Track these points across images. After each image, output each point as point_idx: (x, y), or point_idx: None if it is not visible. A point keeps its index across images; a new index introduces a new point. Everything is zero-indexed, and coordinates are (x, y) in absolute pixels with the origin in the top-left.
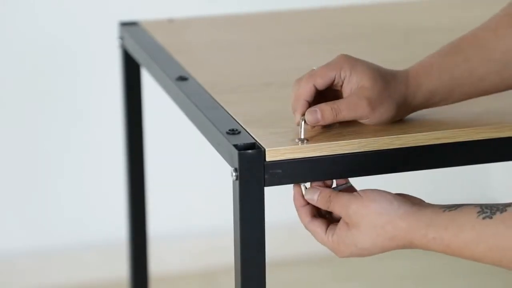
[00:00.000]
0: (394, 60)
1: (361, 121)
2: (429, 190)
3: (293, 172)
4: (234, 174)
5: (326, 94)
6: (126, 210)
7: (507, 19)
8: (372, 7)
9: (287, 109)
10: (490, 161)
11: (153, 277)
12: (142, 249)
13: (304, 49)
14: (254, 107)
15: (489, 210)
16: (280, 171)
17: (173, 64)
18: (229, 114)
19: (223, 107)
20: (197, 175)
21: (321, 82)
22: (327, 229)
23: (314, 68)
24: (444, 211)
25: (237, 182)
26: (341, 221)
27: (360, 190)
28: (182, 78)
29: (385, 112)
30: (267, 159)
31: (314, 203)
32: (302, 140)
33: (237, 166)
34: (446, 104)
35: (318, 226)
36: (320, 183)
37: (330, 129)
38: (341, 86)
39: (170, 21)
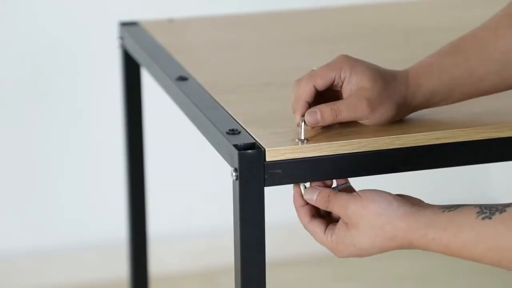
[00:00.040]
0: (394, 60)
1: (361, 121)
2: (429, 190)
3: (293, 172)
4: (234, 174)
5: (326, 94)
6: (126, 210)
7: (507, 19)
8: (372, 7)
9: (287, 109)
10: (490, 161)
11: (153, 277)
12: (142, 249)
13: (304, 49)
14: (254, 107)
15: (488, 211)
16: (280, 171)
17: (173, 64)
18: (229, 114)
19: (223, 107)
20: (197, 175)
21: (321, 83)
22: (326, 229)
23: (314, 68)
24: (443, 211)
25: (237, 182)
26: (340, 221)
27: (359, 191)
28: (182, 78)
29: (385, 112)
30: (267, 159)
31: (313, 203)
32: (302, 141)
33: (237, 166)
34: (446, 104)
35: (317, 226)
36: (319, 183)
37: (330, 129)
38: (341, 86)
39: (170, 21)
